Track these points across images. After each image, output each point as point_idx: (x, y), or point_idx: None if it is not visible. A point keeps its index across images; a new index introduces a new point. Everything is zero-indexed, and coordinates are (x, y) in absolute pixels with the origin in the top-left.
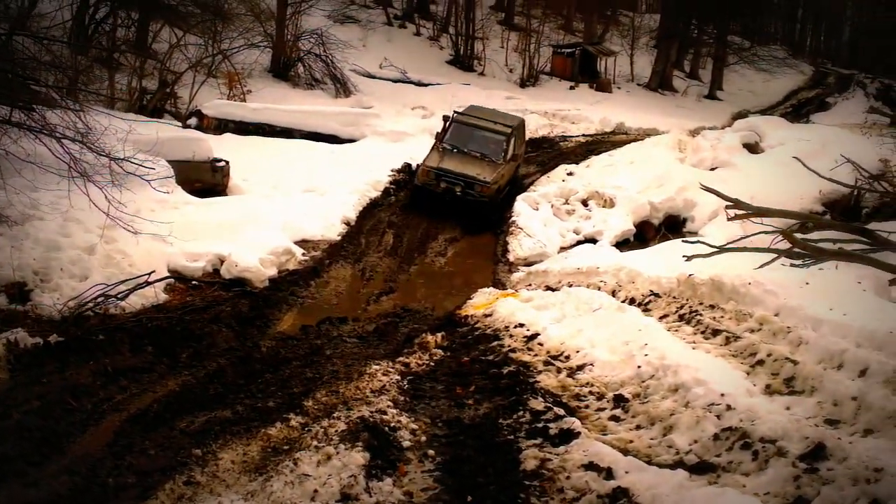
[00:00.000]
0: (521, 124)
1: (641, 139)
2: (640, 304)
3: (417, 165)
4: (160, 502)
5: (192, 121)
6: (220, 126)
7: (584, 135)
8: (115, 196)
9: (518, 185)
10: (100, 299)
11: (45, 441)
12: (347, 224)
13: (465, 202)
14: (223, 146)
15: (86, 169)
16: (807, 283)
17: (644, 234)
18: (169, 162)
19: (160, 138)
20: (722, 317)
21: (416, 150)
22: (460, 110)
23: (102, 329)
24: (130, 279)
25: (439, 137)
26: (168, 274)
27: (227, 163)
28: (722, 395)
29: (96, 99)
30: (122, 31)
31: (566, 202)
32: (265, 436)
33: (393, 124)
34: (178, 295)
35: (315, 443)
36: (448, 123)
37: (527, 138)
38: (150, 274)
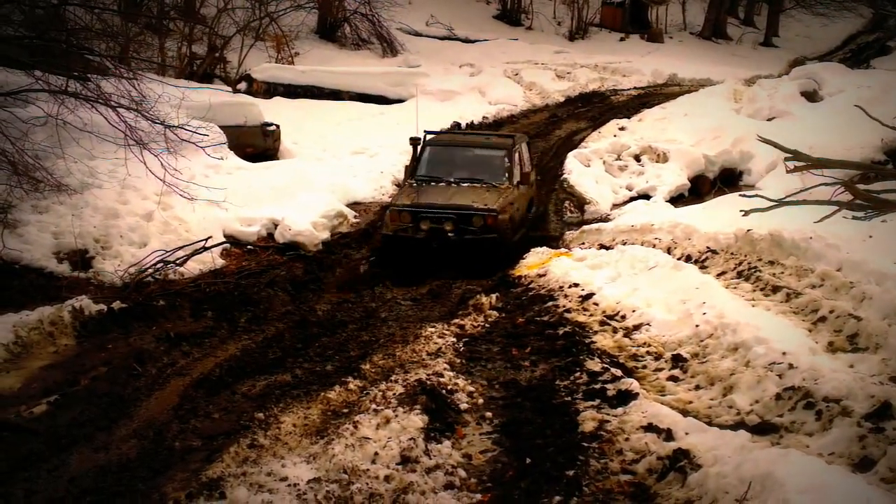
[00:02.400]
0: (523, 140)
1: (695, 90)
2: (696, 262)
3: (384, 208)
4: (226, 465)
5: (242, 85)
6: (270, 90)
7: (635, 88)
8: (171, 163)
9: (539, 221)
10: (159, 265)
11: (113, 406)
12: (398, 185)
13: (463, 246)
14: (273, 110)
15: (141, 137)
16: (870, 237)
17: (699, 189)
18: (221, 127)
19: (212, 104)
20: (782, 273)
21: (465, 108)
22: (433, 130)
23: (163, 294)
24: (188, 245)
25: (409, 170)
26: (224, 239)
27: (278, 127)
28: (783, 353)
29: (148, 66)
30: None
31: (618, 158)
32: (325, 399)
33: (441, 83)
34: (234, 260)
35: (374, 406)
36: (419, 149)
37: (575, 96)
38: (206, 239)
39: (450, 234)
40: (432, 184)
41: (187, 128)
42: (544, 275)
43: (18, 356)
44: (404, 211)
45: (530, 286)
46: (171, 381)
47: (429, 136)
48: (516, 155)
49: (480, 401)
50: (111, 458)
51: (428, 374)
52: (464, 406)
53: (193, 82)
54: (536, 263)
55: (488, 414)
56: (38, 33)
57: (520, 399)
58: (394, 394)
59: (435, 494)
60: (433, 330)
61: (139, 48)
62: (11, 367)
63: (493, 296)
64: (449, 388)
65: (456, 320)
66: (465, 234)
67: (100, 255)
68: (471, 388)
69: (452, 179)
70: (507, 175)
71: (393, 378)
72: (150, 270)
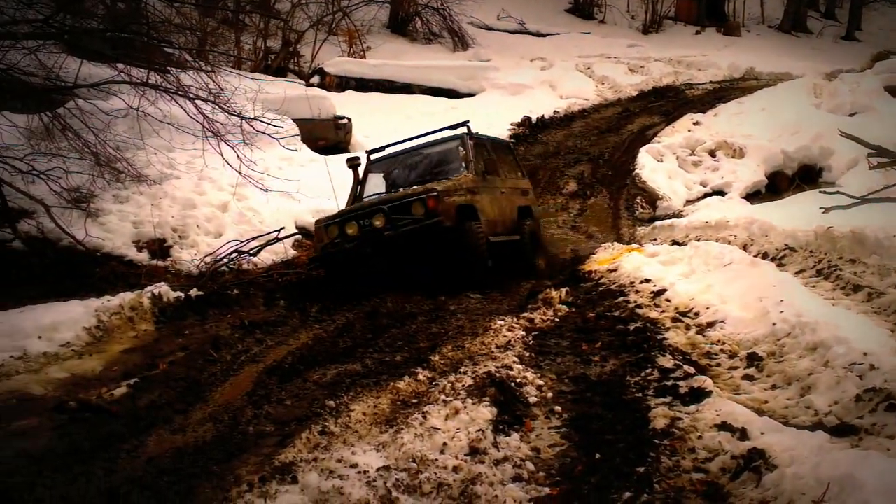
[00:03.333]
0: (503, 144)
1: (773, 84)
2: (773, 259)
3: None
4: (297, 450)
5: (315, 79)
6: (342, 84)
7: (711, 82)
8: (246, 154)
9: (536, 239)
10: (234, 255)
11: (190, 390)
12: None
13: (406, 242)
14: (345, 103)
15: (218, 128)
16: None
17: (776, 186)
18: (294, 120)
19: (287, 97)
20: (864, 272)
21: (536, 102)
22: (377, 148)
23: (237, 284)
24: (261, 235)
25: (350, 198)
26: (296, 230)
27: (350, 120)
28: (865, 353)
29: (225, 60)
30: None
31: (692, 153)
32: (394, 389)
33: (512, 77)
34: (305, 251)
35: (443, 397)
36: (363, 170)
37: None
38: (279, 230)
39: (384, 232)
40: (376, 196)
41: (263, 120)
42: (615, 270)
43: (100, 340)
44: (331, 224)
45: (601, 281)
46: (245, 368)
47: (373, 157)
48: (472, 144)
49: (549, 395)
50: (188, 440)
51: (497, 367)
52: (533, 399)
53: (268, 76)
54: (607, 259)
55: (557, 408)
56: (120, 27)
57: (589, 394)
58: (462, 385)
59: (503, 486)
60: (502, 323)
61: (216, 42)
62: (93, 351)
63: (563, 290)
64: (518, 381)
65: (525, 314)
66: (403, 229)
67: (177, 245)
68: (540, 382)
69: (399, 183)
70: (463, 164)
71: (462, 370)
72: (225, 260)
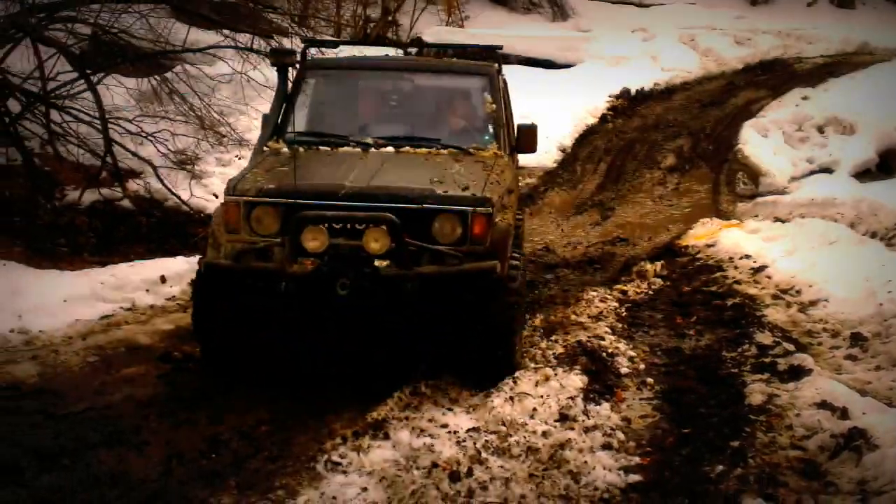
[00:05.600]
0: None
1: (888, 60)
2: (882, 239)
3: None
4: (390, 409)
5: (413, 49)
6: (440, 53)
7: (821, 56)
8: None
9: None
10: None
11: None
12: (563, 151)
13: (424, 301)
14: None
15: None
16: None
17: (889, 164)
18: None
19: None
20: None
21: (636, 74)
22: (326, 40)
23: None
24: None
25: (271, 121)
26: None
27: None
28: None
29: (325, 25)
30: None
31: (799, 129)
32: None
33: (611, 48)
34: None
35: (533, 364)
36: (296, 77)
37: (755, 63)
38: None
39: (380, 265)
40: (328, 149)
41: None
42: (713, 245)
43: None
44: (262, 205)
45: (698, 256)
46: None
47: (314, 53)
48: (503, 90)
49: (642, 366)
50: (284, 392)
51: (588, 337)
52: (624, 370)
53: (366, 45)
54: (705, 234)
55: (649, 380)
56: None
57: (683, 367)
58: (553, 353)
59: (592, 453)
60: (595, 294)
61: (317, 10)
62: None
63: (658, 263)
64: (610, 351)
65: (619, 286)
66: (422, 263)
67: None
68: (632, 353)
69: (373, 139)
70: (491, 127)
71: (553, 338)
72: None
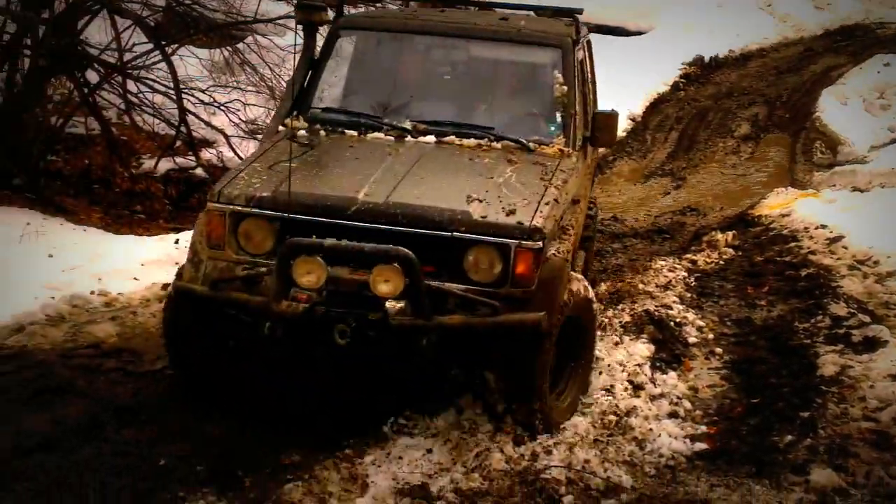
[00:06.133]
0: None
1: None
2: None
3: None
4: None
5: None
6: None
7: None
8: None
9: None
10: None
11: None
12: (633, 120)
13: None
14: None
15: None
16: None
17: None
18: None
19: None
20: None
21: (711, 41)
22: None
23: None
24: None
25: (293, 92)
26: None
27: None
28: None
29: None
30: None
31: (880, 96)
32: None
33: (685, 14)
34: None
35: (599, 332)
36: (329, 33)
37: (835, 29)
38: None
39: (391, 309)
40: (354, 135)
41: None
42: (788, 215)
43: None
44: (253, 217)
45: (771, 226)
46: None
47: (352, 14)
48: (580, 66)
49: (710, 336)
50: None
51: (656, 306)
52: (692, 340)
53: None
54: (779, 203)
55: (718, 350)
56: None
57: (753, 337)
58: (620, 322)
59: (658, 421)
60: (663, 263)
61: None
62: None
63: (730, 233)
64: (677, 320)
65: (688, 255)
66: (447, 307)
67: None
68: (700, 323)
69: (412, 123)
70: (559, 116)
71: (620, 307)
72: None
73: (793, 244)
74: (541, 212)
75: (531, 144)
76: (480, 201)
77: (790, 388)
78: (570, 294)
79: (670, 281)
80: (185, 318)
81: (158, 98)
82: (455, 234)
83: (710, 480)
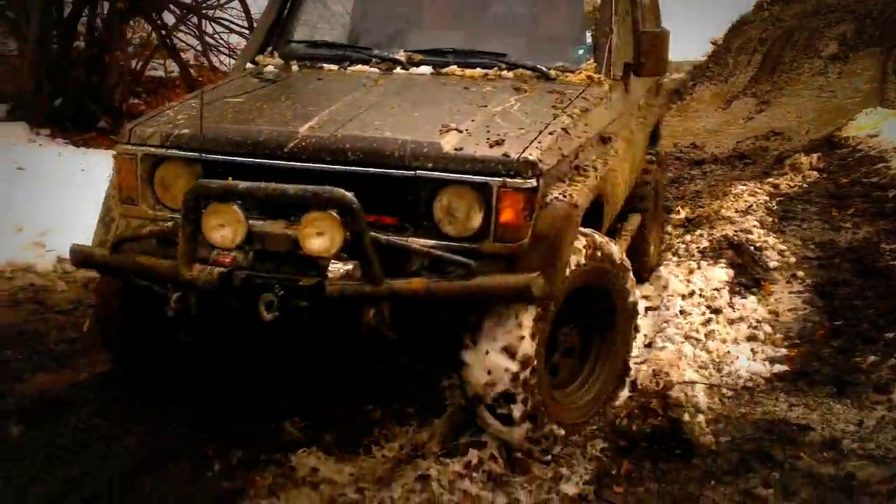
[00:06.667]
0: None
1: None
2: None
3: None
4: None
5: None
6: None
7: None
8: None
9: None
10: None
11: None
12: (714, 43)
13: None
14: None
15: None
16: None
17: None
18: None
19: None
20: None
21: None
22: None
23: None
24: None
25: (264, 22)
26: None
27: None
28: None
29: None
30: None
31: None
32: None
33: None
34: None
35: (676, 258)
36: None
37: None
38: None
39: (332, 273)
40: (334, 69)
41: None
42: (876, 136)
43: None
44: (171, 161)
45: (858, 147)
46: None
47: None
48: None
49: (792, 259)
50: None
51: (735, 231)
52: (773, 264)
53: None
54: (868, 125)
55: (800, 273)
56: None
57: (837, 260)
58: (698, 247)
59: (736, 345)
60: (744, 188)
61: None
62: None
63: (814, 156)
64: (758, 245)
65: (770, 179)
66: (410, 268)
67: None
68: (782, 247)
69: (405, 53)
70: (593, 41)
71: (698, 232)
72: None
73: (881, 165)
74: (539, 142)
75: (552, 72)
76: (460, 132)
77: (875, 310)
78: (587, 254)
79: (751, 205)
80: (112, 298)
81: (234, 38)
82: (419, 172)
83: (790, 400)
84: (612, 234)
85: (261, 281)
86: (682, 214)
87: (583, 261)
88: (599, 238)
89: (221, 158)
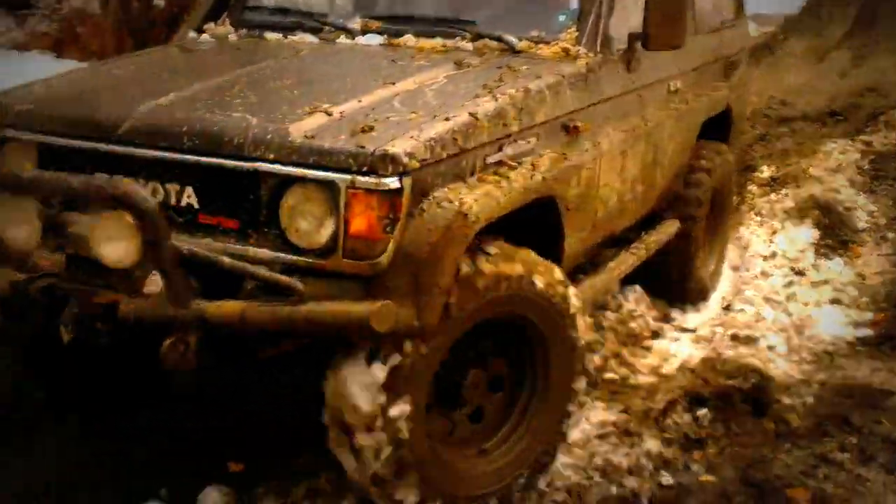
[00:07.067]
0: None
1: None
2: None
3: None
4: None
5: None
6: None
7: None
8: None
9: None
10: None
11: None
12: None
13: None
14: None
15: None
16: None
17: None
18: None
19: None
20: None
21: None
22: None
23: None
24: None
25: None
26: None
27: None
28: None
29: None
30: None
31: None
32: None
33: None
34: None
35: (759, 218)
36: None
37: None
38: None
39: (124, 295)
40: (275, 38)
41: None
42: None
43: None
44: (14, 142)
45: None
46: None
47: None
48: None
49: (882, 221)
50: None
51: (823, 190)
52: (862, 225)
53: None
54: None
55: (890, 235)
56: None
57: None
58: (782, 207)
59: (818, 308)
60: (833, 146)
61: None
62: None
63: None
64: (846, 205)
65: (862, 137)
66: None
67: None
68: (872, 208)
69: (361, 21)
70: (579, 5)
71: (784, 192)
72: None
73: None
74: (419, 130)
75: (522, 44)
76: (329, 114)
77: None
78: (490, 278)
79: (840, 164)
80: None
81: None
82: (259, 164)
83: (872, 365)
84: (620, 244)
85: (61, 293)
86: (767, 173)
87: (506, 283)
88: (524, 256)
89: (56, 142)
